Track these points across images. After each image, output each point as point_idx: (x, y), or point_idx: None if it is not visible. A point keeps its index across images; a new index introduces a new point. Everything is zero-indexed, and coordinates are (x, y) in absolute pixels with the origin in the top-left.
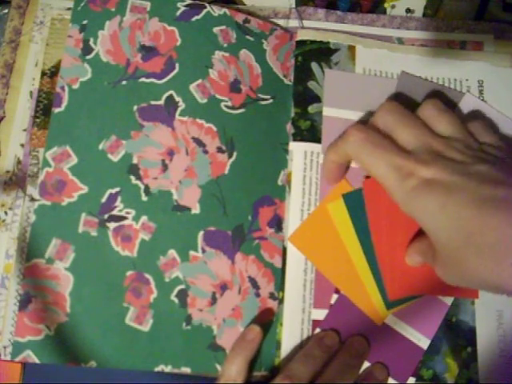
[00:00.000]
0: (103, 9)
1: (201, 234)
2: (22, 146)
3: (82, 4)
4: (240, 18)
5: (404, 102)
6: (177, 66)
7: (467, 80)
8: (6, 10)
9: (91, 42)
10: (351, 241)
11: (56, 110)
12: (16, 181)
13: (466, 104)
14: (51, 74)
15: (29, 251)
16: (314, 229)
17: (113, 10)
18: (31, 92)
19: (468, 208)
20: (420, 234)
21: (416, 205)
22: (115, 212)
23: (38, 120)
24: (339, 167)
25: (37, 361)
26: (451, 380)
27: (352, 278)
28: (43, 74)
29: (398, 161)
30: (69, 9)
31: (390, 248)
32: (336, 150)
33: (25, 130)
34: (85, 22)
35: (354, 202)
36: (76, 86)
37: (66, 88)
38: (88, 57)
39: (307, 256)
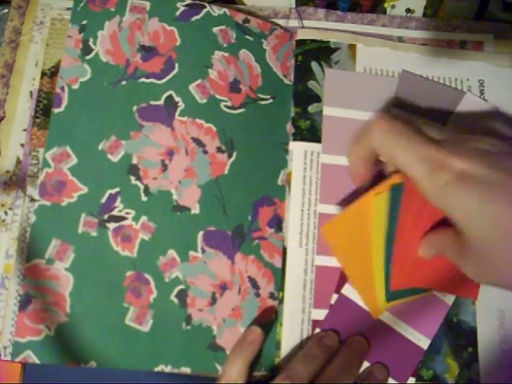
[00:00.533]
0: (103, 9)
1: (200, 234)
2: (22, 145)
3: (82, 4)
4: (240, 17)
5: (405, 100)
6: (176, 66)
7: (468, 80)
8: (6, 10)
9: (91, 43)
10: (380, 232)
11: (56, 111)
12: (16, 181)
13: (467, 103)
14: (51, 74)
15: (29, 252)
16: (349, 222)
17: (112, 10)
18: (31, 92)
19: (509, 206)
20: (439, 226)
21: (450, 200)
22: (115, 212)
23: (38, 120)
24: (365, 164)
25: (37, 361)
26: (451, 380)
27: (364, 267)
28: (43, 74)
29: (428, 151)
30: (69, 9)
31: (409, 239)
32: (360, 143)
33: (25, 130)
34: (84, 22)
35: (397, 194)
36: (76, 87)
37: (66, 88)
38: (88, 57)
39: (333, 248)
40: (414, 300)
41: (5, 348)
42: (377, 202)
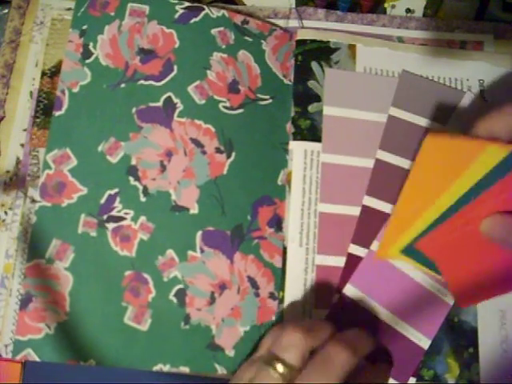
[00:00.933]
0: (103, 13)
1: (199, 233)
2: (22, 145)
3: (82, 9)
4: (238, 19)
5: (405, 100)
6: (175, 68)
7: (468, 80)
8: (6, 10)
9: (91, 47)
10: (464, 184)
11: (56, 114)
12: (16, 181)
13: (467, 103)
14: (51, 74)
15: (29, 251)
16: (453, 150)
17: (112, 14)
18: (31, 92)
19: None
20: None
21: None
22: (114, 213)
23: (37, 120)
24: None
25: (37, 359)
26: (452, 380)
27: (421, 204)
28: (43, 74)
29: None
30: (69, 9)
31: (481, 213)
32: None
33: (25, 130)
34: (85, 26)
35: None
36: (76, 90)
37: (67, 92)
38: (88, 61)
39: (421, 159)
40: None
41: (6, 346)
42: (490, 153)
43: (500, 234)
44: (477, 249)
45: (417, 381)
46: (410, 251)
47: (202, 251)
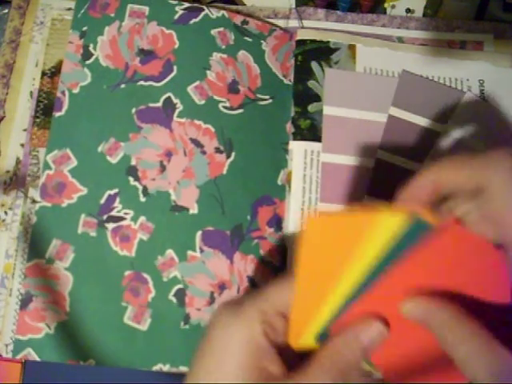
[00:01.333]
0: (103, 15)
1: (199, 233)
2: (22, 145)
3: (83, 11)
4: (238, 19)
5: (405, 100)
6: (175, 68)
7: (468, 80)
8: (6, 10)
9: (91, 48)
10: (365, 261)
11: (57, 114)
12: (16, 181)
13: (467, 103)
14: (51, 74)
15: (30, 251)
16: (340, 228)
17: (112, 15)
18: (31, 92)
19: None
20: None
21: None
22: (114, 213)
23: (37, 120)
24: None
25: (37, 358)
26: None
27: (322, 288)
28: (43, 74)
29: None
30: (69, 9)
31: (397, 292)
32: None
33: (25, 130)
34: (85, 28)
35: (416, 233)
36: (76, 91)
37: (67, 92)
38: (88, 62)
39: (305, 245)
40: None
41: (6, 346)
42: (386, 224)
43: (418, 316)
44: (399, 330)
45: None
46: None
47: (202, 251)
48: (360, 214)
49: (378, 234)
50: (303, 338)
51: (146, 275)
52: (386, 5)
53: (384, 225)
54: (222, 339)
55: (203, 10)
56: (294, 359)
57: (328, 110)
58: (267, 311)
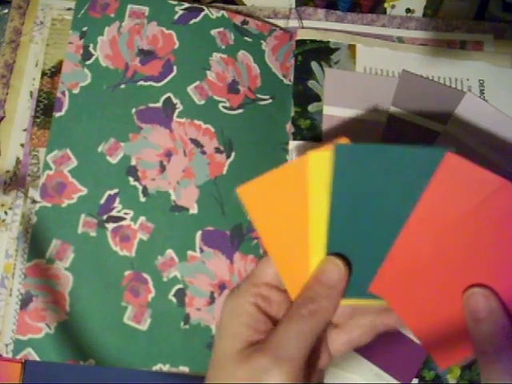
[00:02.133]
0: (103, 15)
1: (199, 233)
2: (22, 145)
3: (83, 11)
4: (238, 19)
5: (405, 100)
6: (175, 68)
7: (468, 80)
8: (6, 10)
9: (91, 48)
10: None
11: (57, 115)
12: (16, 181)
13: (467, 103)
14: (51, 74)
15: (30, 251)
16: (276, 184)
17: (112, 15)
18: (31, 92)
19: None
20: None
21: None
22: (114, 213)
23: (37, 120)
24: None
25: (37, 358)
26: (453, 381)
27: (297, 240)
28: (43, 74)
29: None
30: (69, 9)
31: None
32: None
33: (25, 130)
34: (85, 28)
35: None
36: (76, 91)
37: (67, 93)
38: (88, 62)
39: (250, 212)
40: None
41: (6, 346)
42: (314, 160)
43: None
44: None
45: (419, 381)
46: None
47: (202, 251)
48: (288, 164)
49: (316, 170)
50: None
51: (145, 275)
52: (386, 5)
53: (317, 161)
54: (222, 319)
55: (203, 10)
56: None
57: (328, 110)
58: (258, 284)
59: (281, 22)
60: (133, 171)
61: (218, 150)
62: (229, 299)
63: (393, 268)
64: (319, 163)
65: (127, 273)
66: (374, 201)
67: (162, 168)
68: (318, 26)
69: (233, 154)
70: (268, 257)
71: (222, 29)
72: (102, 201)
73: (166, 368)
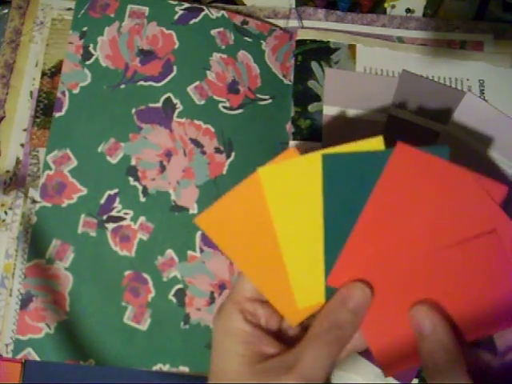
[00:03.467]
0: (103, 15)
1: (199, 233)
2: (22, 145)
3: (83, 11)
4: (238, 19)
5: (405, 100)
6: (174, 68)
7: (468, 80)
8: (6, 10)
9: (91, 48)
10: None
11: (57, 115)
12: (16, 181)
13: (467, 103)
14: (51, 74)
15: (30, 251)
16: (233, 207)
17: (112, 16)
18: (31, 92)
19: None
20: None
21: None
22: (114, 213)
23: (37, 120)
24: None
25: (37, 358)
26: None
27: (272, 264)
28: (43, 74)
29: None
30: (69, 9)
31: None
32: None
33: (25, 130)
34: (85, 28)
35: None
36: (76, 91)
37: (67, 93)
38: (88, 62)
39: (215, 239)
40: None
41: (6, 346)
42: (267, 173)
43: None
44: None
45: (419, 382)
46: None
47: (202, 251)
48: (240, 185)
49: (270, 183)
50: (313, 297)
51: (145, 275)
52: (386, 5)
53: (268, 175)
54: (217, 341)
55: (203, 10)
56: (291, 337)
57: (328, 110)
58: (241, 301)
59: (281, 22)
60: (133, 171)
61: (217, 150)
62: (218, 321)
63: (350, 261)
64: (271, 177)
65: (127, 273)
66: (360, 205)
67: (162, 168)
68: (318, 26)
69: (233, 154)
70: (241, 272)
71: (221, 29)
72: (102, 201)
73: (165, 368)
